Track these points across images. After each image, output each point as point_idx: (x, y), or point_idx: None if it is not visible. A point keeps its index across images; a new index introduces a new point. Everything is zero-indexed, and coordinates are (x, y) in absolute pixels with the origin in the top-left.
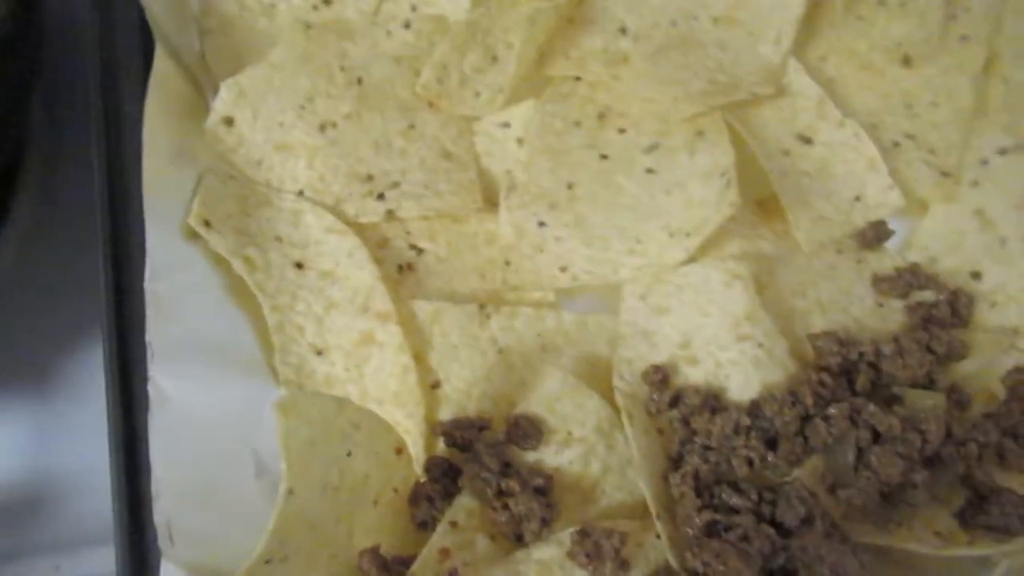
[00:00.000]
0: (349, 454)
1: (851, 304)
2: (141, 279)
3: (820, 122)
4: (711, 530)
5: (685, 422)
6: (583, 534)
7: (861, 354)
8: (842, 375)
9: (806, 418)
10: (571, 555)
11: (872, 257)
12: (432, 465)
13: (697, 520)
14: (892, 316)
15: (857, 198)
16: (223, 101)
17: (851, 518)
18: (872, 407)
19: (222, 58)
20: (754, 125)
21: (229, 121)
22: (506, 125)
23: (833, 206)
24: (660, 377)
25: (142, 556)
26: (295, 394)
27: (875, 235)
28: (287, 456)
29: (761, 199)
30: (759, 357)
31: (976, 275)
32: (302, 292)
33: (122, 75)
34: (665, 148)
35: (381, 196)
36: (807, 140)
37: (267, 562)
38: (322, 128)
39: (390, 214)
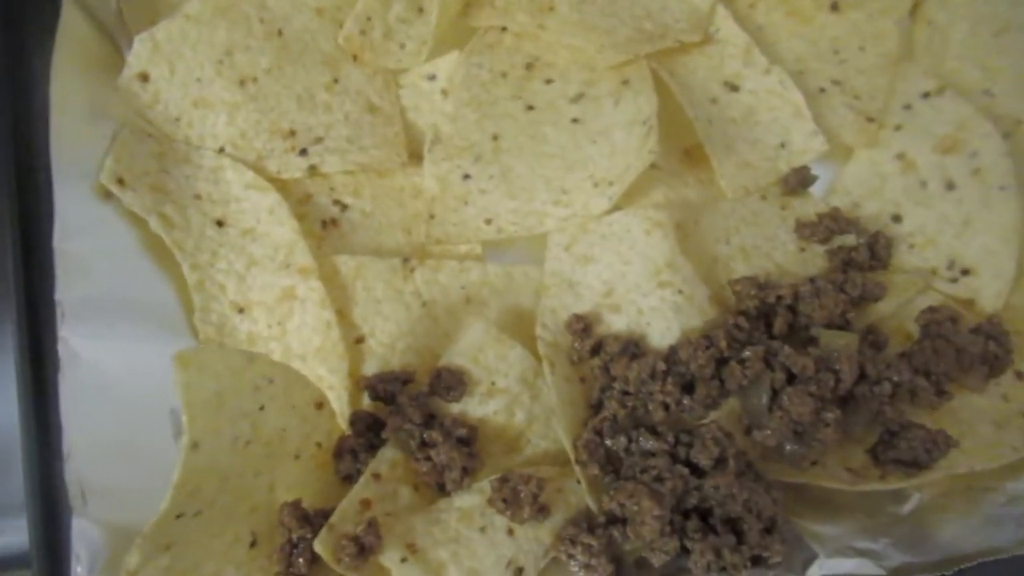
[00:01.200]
0: (262, 408)
1: (774, 250)
2: (51, 239)
3: (747, 69)
4: (628, 473)
5: (605, 369)
6: (502, 481)
7: (779, 297)
8: (760, 319)
9: (722, 362)
10: (491, 502)
11: (796, 203)
12: (356, 419)
13: (610, 464)
14: (814, 261)
15: (782, 144)
16: (137, 56)
17: (768, 458)
18: (787, 349)
19: (137, 10)
20: (681, 73)
21: (144, 77)
22: (432, 77)
23: (758, 153)
24: (582, 326)
25: (55, 516)
26: (197, 348)
27: (798, 181)
28: (188, 409)
29: (688, 148)
30: (679, 303)
31: (897, 218)
32: (223, 250)
33: (27, 27)
34: (591, 97)
35: (304, 151)
36: (734, 87)
37: (178, 516)
38: (242, 83)
39: (313, 169)
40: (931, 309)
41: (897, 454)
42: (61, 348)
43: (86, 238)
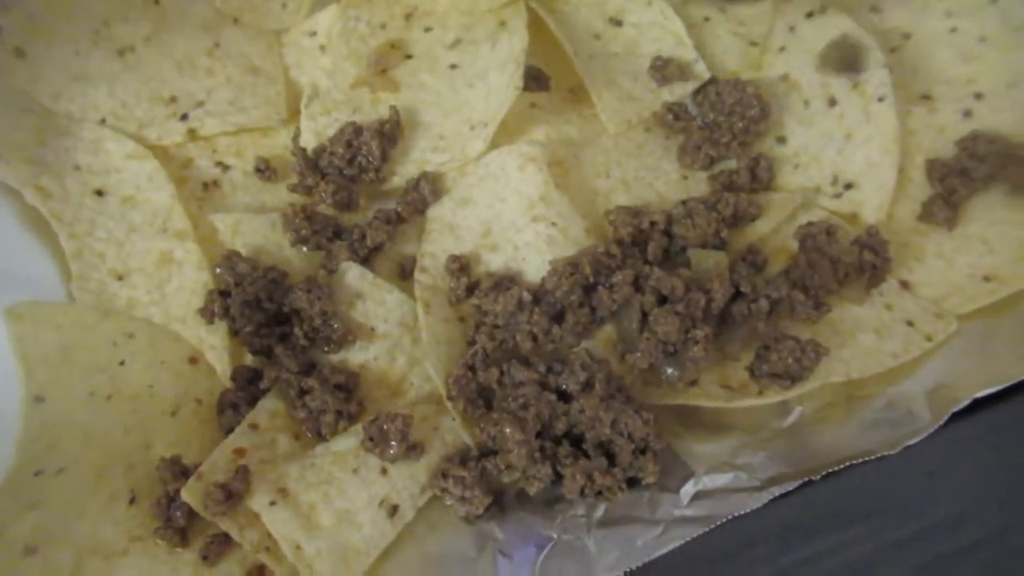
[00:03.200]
0: (122, 363)
1: (655, 179)
2: None
3: (629, 3)
4: (500, 406)
5: (478, 306)
6: (371, 421)
7: (652, 223)
8: (637, 246)
9: (591, 288)
10: (362, 443)
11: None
12: (237, 373)
13: (482, 396)
14: (696, 187)
15: (663, 75)
16: (11, 31)
17: (649, 383)
18: (657, 272)
19: None
20: (564, 12)
21: (20, 53)
22: (313, 34)
23: (641, 85)
24: (458, 266)
25: None
26: (32, 302)
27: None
28: (24, 363)
29: (573, 86)
30: (553, 236)
31: (782, 139)
32: (102, 219)
33: None
34: (468, 42)
35: (184, 117)
36: (617, 22)
37: (36, 474)
38: (121, 53)
39: (192, 133)
40: (808, 224)
41: (771, 367)
42: None
43: None
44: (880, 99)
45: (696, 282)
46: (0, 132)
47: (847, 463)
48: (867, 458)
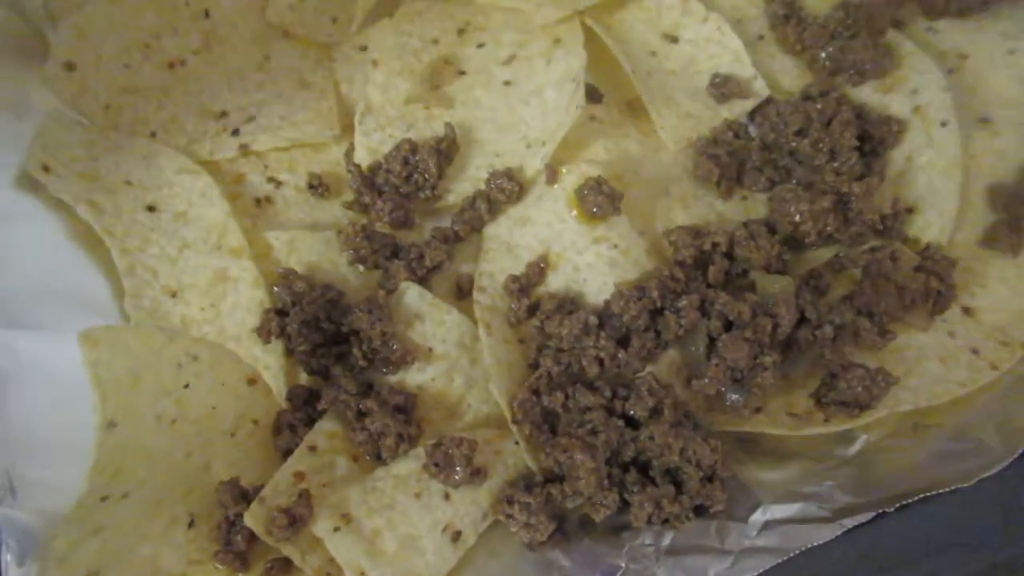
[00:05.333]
0: (187, 386)
1: (715, 199)
2: None
3: (685, 19)
4: (565, 431)
5: (541, 328)
6: (435, 446)
7: (714, 244)
8: (698, 268)
9: (657, 313)
10: (425, 468)
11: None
12: (293, 394)
13: (546, 421)
14: (756, 208)
15: (722, 93)
16: (62, 44)
17: (713, 409)
18: (724, 296)
19: None
20: (619, 29)
21: (70, 66)
22: (363, 48)
23: (700, 102)
24: (519, 286)
25: None
26: (106, 327)
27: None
28: (98, 388)
29: (630, 100)
30: (614, 258)
31: None
32: (154, 235)
33: None
34: (523, 58)
35: (236, 131)
36: (673, 39)
37: (103, 499)
38: (171, 66)
39: (244, 148)
40: (872, 249)
41: (838, 395)
42: None
43: (12, 228)
44: (943, 124)
45: (762, 307)
46: (52, 146)
47: (921, 495)
48: (941, 490)
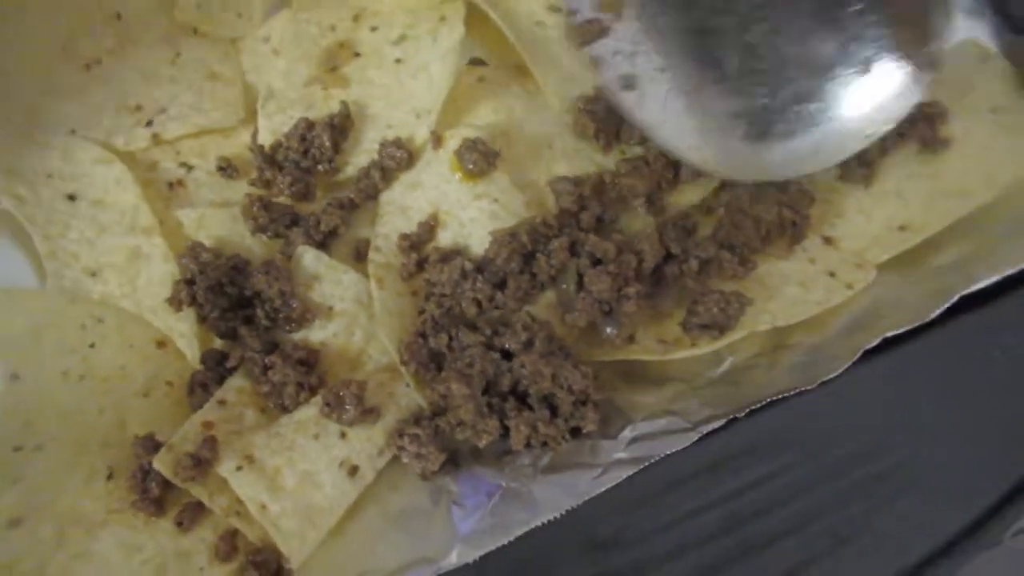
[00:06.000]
0: (92, 345)
1: (595, 153)
2: None
3: None
4: (449, 368)
5: (428, 280)
6: (328, 389)
7: (594, 187)
8: (575, 215)
9: (530, 256)
10: (321, 411)
11: None
12: (207, 356)
13: (433, 360)
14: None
15: None
16: None
17: (591, 343)
18: (592, 237)
19: None
20: (506, 5)
21: None
22: (267, 39)
23: (581, 64)
24: (408, 243)
25: None
26: (3, 289)
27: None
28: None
29: (520, 64)
30: (495, 211)
31: None
32: (74, 221)
33: None
34: (412, 37)
35: (149, 123)
36: (558, 10)
37: (16, 449)
38: (87, 67)
39: (156, 137)
40: (730, 186)
41: (699, 319)
42: None
43: None
44: None
45: (628, 245)
46: None
47: (768, 399)
48: (786, 394)
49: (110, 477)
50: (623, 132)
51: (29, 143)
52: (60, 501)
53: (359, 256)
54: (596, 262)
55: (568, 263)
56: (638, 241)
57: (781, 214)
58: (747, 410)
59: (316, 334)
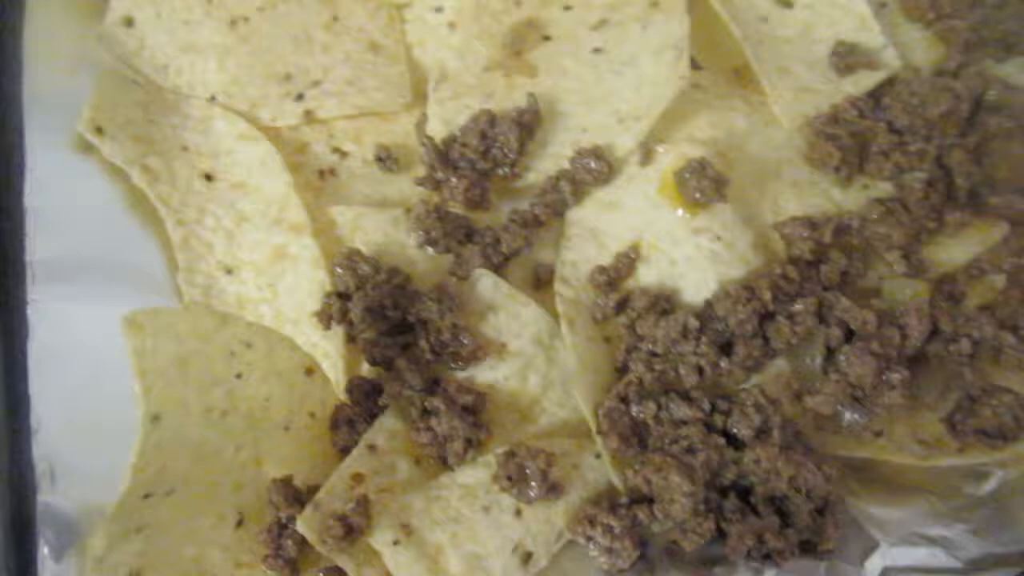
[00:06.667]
0: (239, 375)
1: (831, 186)
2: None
3: None
4: (656, 445)
5: (631, 328)
6: (508, 455)
7: (837, 233)
8: (814, 267)
9: (767, 317)
10: (496, 478)
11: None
12: (353, 386)
13: (636, 436)
14: (879, 196)
15: (846, 64)
16: None
17: (824, 429)
18: (844, 301)
19: None
20: None
21: (129, 21)
22: (439, 9)
23: (819, 74)
24: (606, 279)
25: (23, 493)
26: (153, 309)
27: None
28: (142, 379)
29: (738, 67)
30: (716, 252)
31: None
32: (211, 205)
33: None
34: (615, 23)
35: (300, 96)
36: (786, 3)
37: (146, 496)
38: (233, 24)
39: (309, 115)
40: (1019, 252)
41: (979, 423)
42: (31, 311)
43: (61, 194)
44: None
45: (889, 315)
46: (107, 106)
47: None
48: None
49: (240, 524)
50: (870, 162)
51: (164, 107)
52: (183, 551)
53: (538, 283)
54: (848, 334)
55: (815, 331)
56: (903, 312)
57: None
58: None
59: (485, 374)
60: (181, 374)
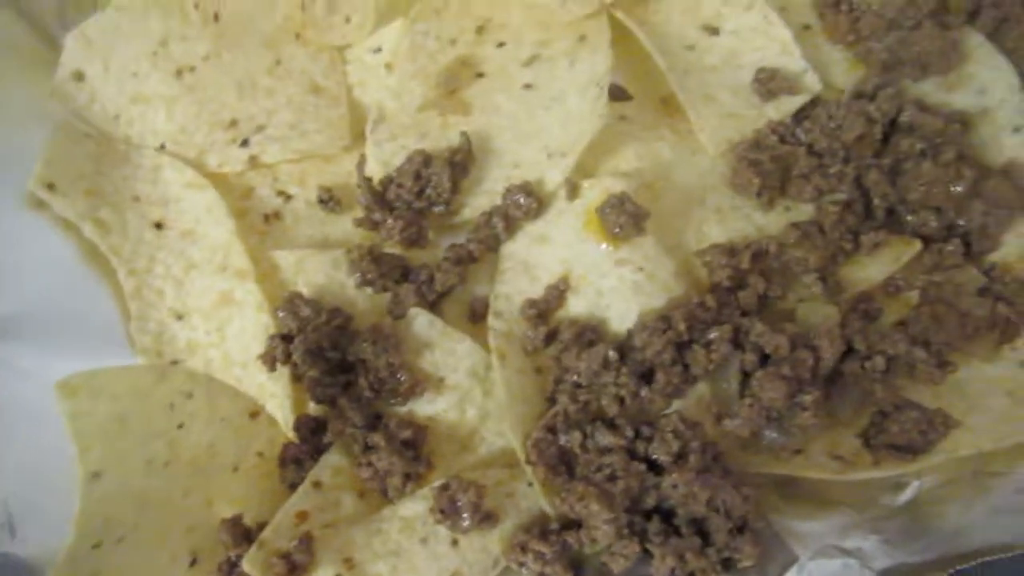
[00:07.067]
0: (181, 426)
1: (754, 210)
2: None
3: (726, 8)
4: (583, 473)
5: (558, 360)
6: (442, 489)
7: (754, 258)
8: (732, 292)
9: (684, 345)
10: (434, 517)
11: None
12: (299, 424)
13: (563, 462)
14: (801, 219)
15: (768, 90)
16: (70, 53)
17: (748, 448)
18: (759, 326)
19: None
20: (654, 21)
21: (79, 75)
22: (378, 50)
23: (743, 99)
24: (536, 312)
25: None
26: (86, 372)
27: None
28: (79, 440)
29: (665, 96)
30: (639, 283)
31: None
32: (161, 254)
33: None
34: (545, 59)
35: (245, 142)
36: (713, 30)
37: (95, 546)
38: (179, 74)
39: (254, 160)
40: (932, 269)
41: (890, 437)
42: None
43: (16, 249)
44: (1016, 130)
45: (802, 338)
46: (59, 161)
47: (980, 559)
48: (1004, 555)
49: (193, 563)
50: (791, 185)
51: (114, 159)
52: None
53: (474, 316)
54: (764, 358)
55: (731, 357)
56: (815, 335)
57: (995, 308)
58: (951, 570)
59: (424, 408)
60: (120, 431)
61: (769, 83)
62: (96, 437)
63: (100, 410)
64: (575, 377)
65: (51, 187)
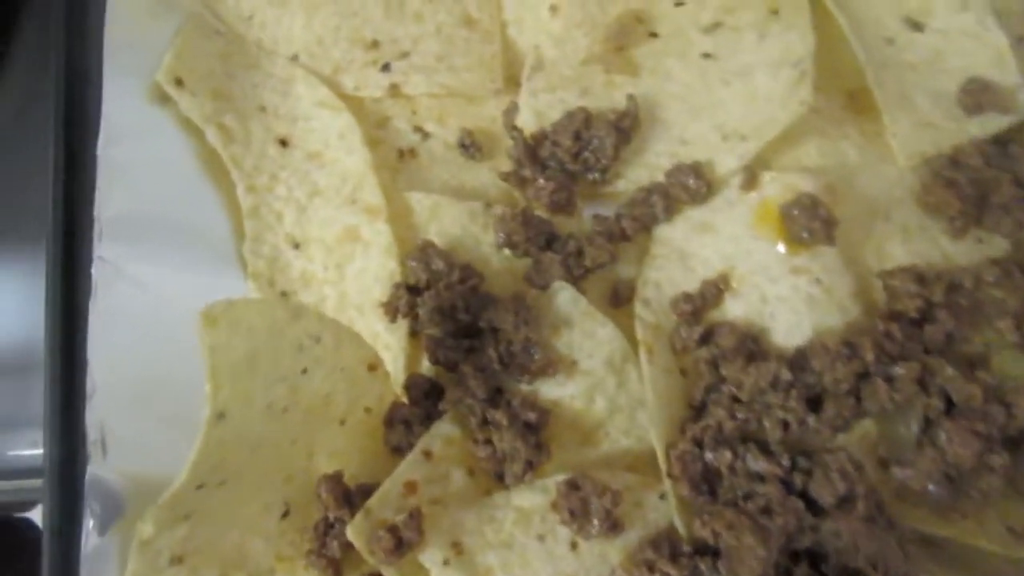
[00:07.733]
0: (305, 371)
1: (943, 235)
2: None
3: (936, 3)
4: (728, 497)
5: (714, 366)
6: (571, 486)
7: (949, 290)
8: (918, 324)
9: (863, 376)
10: (555, 507)
11: None
12: (412, 384)
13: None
14: (992, 255)
15: (976, 102)
16: None
17: (905, 498)
18: (950, 369)
19: None
20: (853, 4)
21: None
22: None
23: (943, 110)
24: (691, 308)
25: (72, 462)
26: (230, 302)
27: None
28: (214, 377)
29: (853, 90)
30: (814, 296)
31: None
32: (283, 173)
33: None
34: (729, 28)
35: (386, 67)
36: (916, 25)
37: (199, 487)
38: None
39: (394, 88)
40: None
41: None
42: (96, 270)
43: (134, 145)
44: None
45: (996, 391)
46: (188, 56)
47: None
48: None
49: (286, 514)
50: (988, 215)
51: (244, 62)
52: (227, 538)
53: (616, 300)
54: (949, 405)
55: (915, 399)
56: (1011, 388)
57: None
58: None
59: (551, 390)
60: (249, 371)
61: (978, 95)
62: (227, 375)
63: (236, 345)
64: (735, 390)
65: (179, 82)
